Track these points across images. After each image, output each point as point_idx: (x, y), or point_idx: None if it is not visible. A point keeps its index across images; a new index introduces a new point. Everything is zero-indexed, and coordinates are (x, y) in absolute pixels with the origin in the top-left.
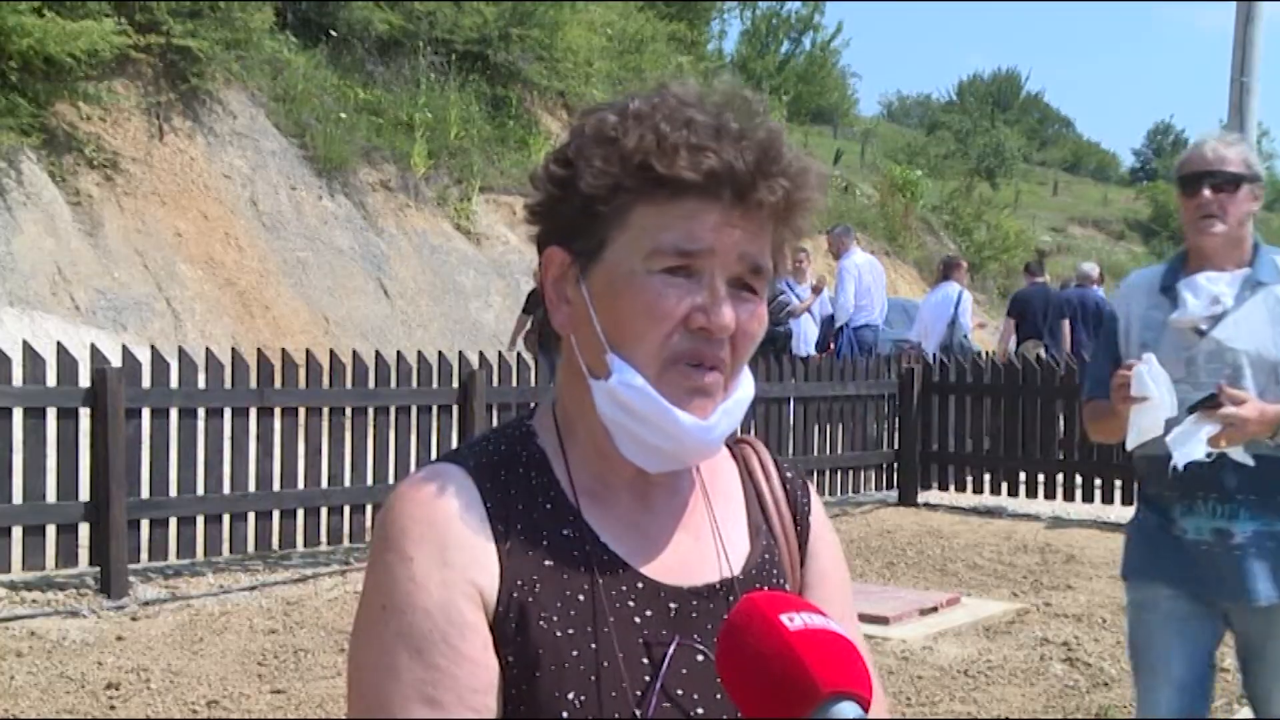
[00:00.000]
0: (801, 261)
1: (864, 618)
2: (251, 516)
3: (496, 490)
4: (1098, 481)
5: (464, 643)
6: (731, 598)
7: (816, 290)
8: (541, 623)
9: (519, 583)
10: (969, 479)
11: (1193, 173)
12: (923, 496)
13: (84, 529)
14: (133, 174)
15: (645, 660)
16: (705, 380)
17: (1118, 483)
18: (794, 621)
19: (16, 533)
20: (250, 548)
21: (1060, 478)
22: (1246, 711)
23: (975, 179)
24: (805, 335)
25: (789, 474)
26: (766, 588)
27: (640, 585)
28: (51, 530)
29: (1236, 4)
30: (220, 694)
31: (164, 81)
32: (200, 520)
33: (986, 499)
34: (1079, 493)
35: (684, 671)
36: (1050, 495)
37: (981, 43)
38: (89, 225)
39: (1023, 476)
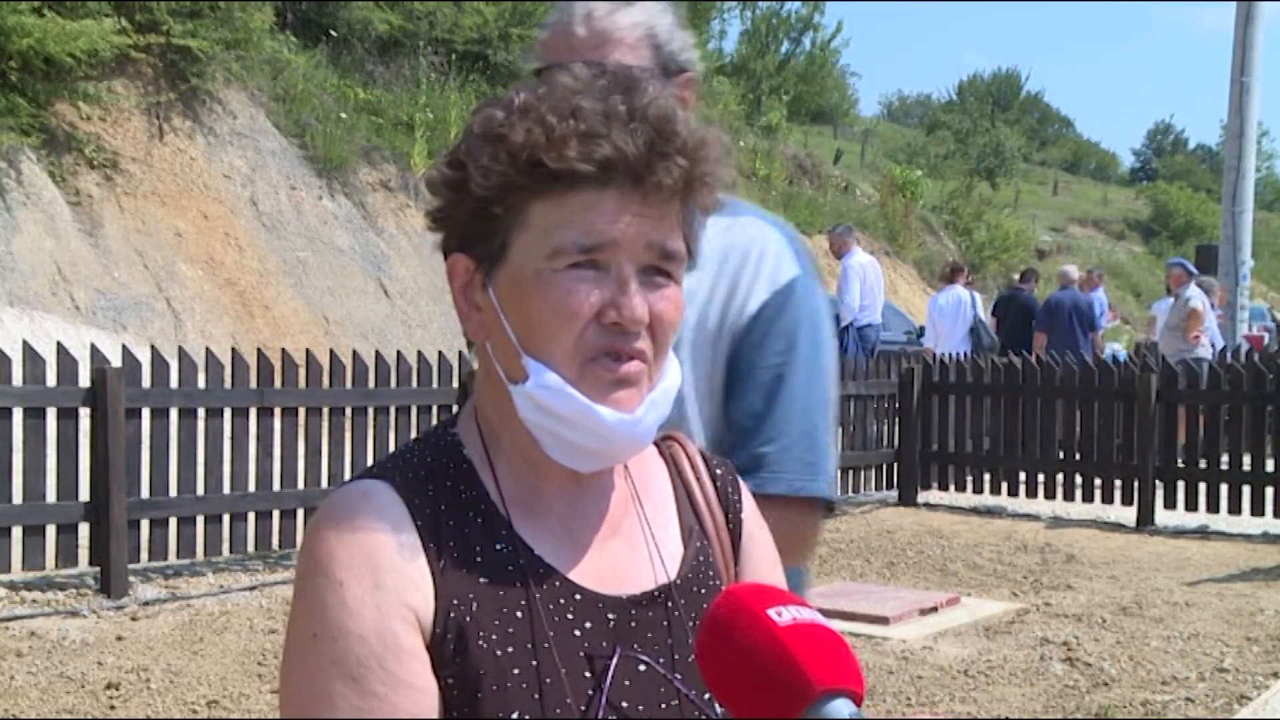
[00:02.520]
0: None
1: (864, 618)
2: (251, 516)
3: (425, 506)
4: (1098, 481)
5: (401, 668)
6: (670, 604)
7: None
8: (481, 642)
9: (455, 602)
10: (969, 479)
11: (549, 66)
12: (923, 496)
13: (84, 529)
14: (133, 174)
15: (588, 674)
16: (625, 370)
17: (1117, 483)
18: (783, 616)
19: (16, 533)
20: (250, 548)
21: (1060, 478)
22: (1246, 712)
23: (975, 179)
24: None
25: (719, 470)
26: (704, 590)
27: (578, 597)
28: (51, 530)
29: (1236, 4)
30: (220, 694)
31: (164, 81)
32: (200, 520)
33: (986, 499)
34: (1079, 493)
35: (627, 683)
36: (1050, 495)
37: (981, 42)
38: (89, 225)
39: (1023, 476)
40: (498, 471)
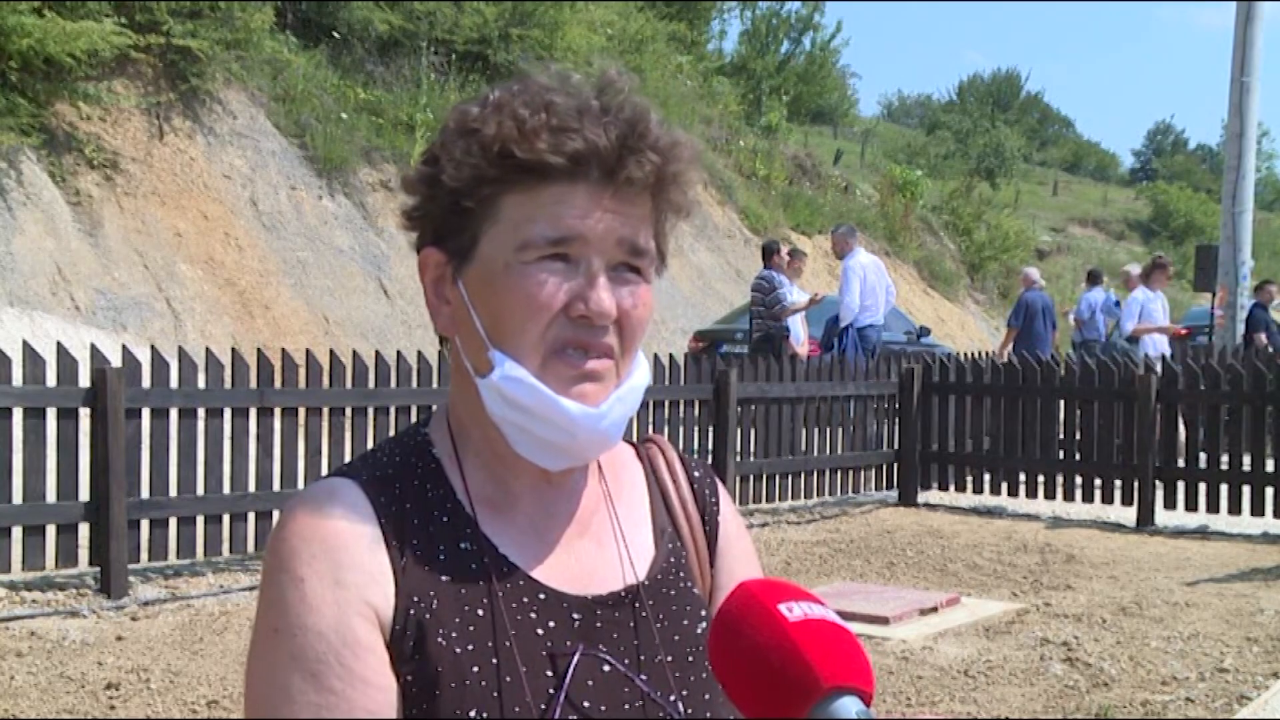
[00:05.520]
0: (799, 262)
1: (864, 618)
2: (251, 516)
3: (391, 504)
4: (1098, 481)
5: (359, 664)
6: (637, 605)
7: (814, 302)
8: (440, 639)
9: (415, 599)
10: (969, 479)
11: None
12: (923, 496)
13: (84, 529)
14: (133, 174)
15: (549, 673)
16: (590, 366)
17: (1117, 483)
18: (793, 611)
19: (16, 533)
20: (250, 548)
21: (1060, 478)
22: (1246, 712)
23: (975, 179)
24: (796, 336)
25: (697, 473)
26: (674, 592)
27: (542, 596)
28: (51, 530)
29: (1236, 4)
30: (220, 694)
31: (164, 81)
32: (200, 520)
33: (986, 499)
34: (1079, 493)
35: (589, 683)
36: (1050, 495)
37: (981, 42)
38: (89, 225)
39: (1023, 476)
40: (466, 469)
